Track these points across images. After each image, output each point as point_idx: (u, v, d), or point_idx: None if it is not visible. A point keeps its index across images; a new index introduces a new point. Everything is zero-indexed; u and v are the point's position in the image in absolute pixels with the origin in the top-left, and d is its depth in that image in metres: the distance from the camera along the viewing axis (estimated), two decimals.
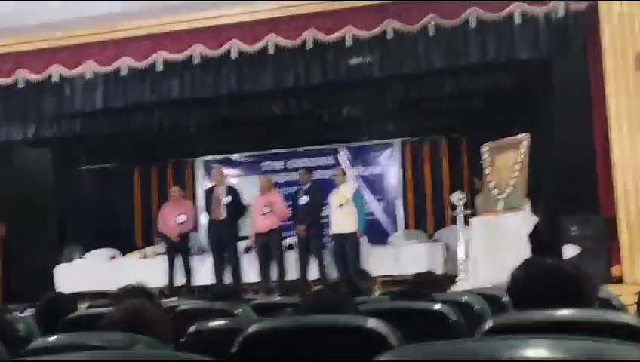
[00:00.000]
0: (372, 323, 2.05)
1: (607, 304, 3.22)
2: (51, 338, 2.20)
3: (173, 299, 8.19)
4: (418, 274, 4.19)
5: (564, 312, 1.85)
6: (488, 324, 1.94)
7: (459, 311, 2.91)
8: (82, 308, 4.93)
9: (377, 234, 11.57)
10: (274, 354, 2.07)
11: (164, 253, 11.01)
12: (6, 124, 10.94)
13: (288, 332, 2.12)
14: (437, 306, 2.75)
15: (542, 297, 2.24)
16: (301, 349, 2.06)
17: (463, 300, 3.36)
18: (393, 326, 2.07)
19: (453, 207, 9.29)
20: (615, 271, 7.89)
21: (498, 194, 8.70)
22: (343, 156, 12.89)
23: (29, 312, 4.40)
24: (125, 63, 9.31)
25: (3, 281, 10.41)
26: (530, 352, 1.05)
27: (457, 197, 9.20)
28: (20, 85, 9.61)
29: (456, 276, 8.85)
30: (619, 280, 7.74)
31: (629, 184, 7.93)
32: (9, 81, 9.61)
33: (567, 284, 2.28)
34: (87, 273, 11.09)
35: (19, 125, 10.99)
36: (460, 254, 8.92)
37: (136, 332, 2.15)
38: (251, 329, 2.14)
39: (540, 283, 2.37)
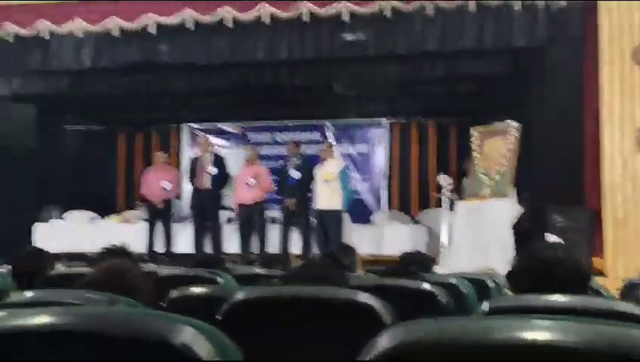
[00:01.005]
0: (364, 297, 1.98)
1: (597, 294, 3.17)
2: (28, 294, 2.11)
3: (153, 264, 8.09)
4: (407, 253, 4.13)
5: (566, 298, 1.78)
6: (486, 306, 1.86)
7: (447, 293, 2.85)
8: (59, 268, 4.83)
9: (360, 213, 11.52)
10: (261, 324, 1.99)
11: (144, 219, 10.91)
12: None
13: (277, 301, 2.04)
14: (428, 286, 2.68)
15: (542, 285, 2.18)
16: (289, 320, 1.98)
17: (451, 282, 3.30)
18: (386, 303, 2.00)
19: (439, 189, 9.25)
20: (595, 263, 7.88)
21: (485, 180, 8.66)
22: (331, 132, 12.80)
23: (5, 268, 4.30)
24: (116, 24, 9.14)
25: None
26: (554, 333, 0.98)
27: (444, 180, 9.15)
28: (8, 38, 9.43)
29: (437, 259, 8.82)
30: (599, 273, 7.73)
31: (617, 177, 7.92)
32: None
33: (568, 273, 2.22)
34: (66, 234, 10.99)
35: (4, 79, 10.82)
36: (443, 237, 8.89)
37: (116, 292, 2.06)
38: (238, 296, 2.06)
39: (541, 271, 2.31)
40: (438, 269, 8.30)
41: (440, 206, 9.47)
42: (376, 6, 8.55)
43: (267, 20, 8.82)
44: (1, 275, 3.57)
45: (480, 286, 3.79)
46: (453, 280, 3.39)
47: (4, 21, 9.37)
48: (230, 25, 8.91)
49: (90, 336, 1.19)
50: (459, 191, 9.49)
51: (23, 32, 9.36)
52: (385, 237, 10.31)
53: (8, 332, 1.24)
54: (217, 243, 10.26)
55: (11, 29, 9.37)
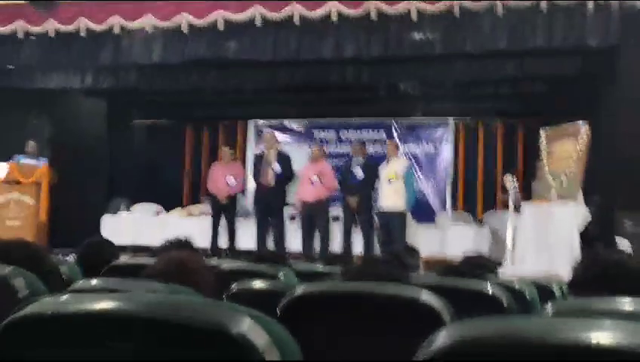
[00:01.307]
0: (425, 296, 1.96)
1: None
2: (93, 282, 2.16)
3: (215, 259, 8.18)
4: (469, 255, 4.08)
5: (632, 302, 1.72)
6: (551, 309, 1.82)
7: (511, 297, 2.79)
8: (124, 258, 4.92)
9: (424, 213, 11.45)
10: (320, 319, 1.98)
11: (209, 213, 11.03)
12: (64, 71, 11.05)
13: (337, 297, 2.04)
14: (490, 288, 2.64)
15: (605, 289, 2.12)
16: (349, 316, 1.97)
17: (515, 286, 3.23)
18: (446, 302, 1.97)
19: (505, 191, 9.11)
20: None
21: (553, 182, 8.51)
22: (396, 131, 12.74)
23: (72, 257, 4.39)
24: (186, 20, 9.26)
25: (50, 227, 10.53)
26: (616, 334, 0.94)
27: (510, 181, 9.01)
28: (81, 34, 9.64)
29: (501, 262, 8.70)
30: None
31: None
32: (70, 28, 9.64)
33: (631, 279, 2.15)
34: (132, 226, 11.21)
35: (77, 74, 11.08)
36: (508, 240, 8.76)
37: (178, 283, 2.09)
38: (298, 291, 2.06)
39: (603, 277, 2.24)
40: (502, 272, 8.20)
41: (505, 208, 9.33)
42: (445, 5, 8.47)
43: (335, 18, 8.82)
44: (69, 264, 3.65)
45: (544, 290, 3.70)
46: (517, 284, 3.32)
47: (78, 17, 9.57)
48: (298, 22, 8.94)
49: (149, 322, 1.21)
50: (525, 193, 9.33)
51: (96, 27, 9.55)
52: (449, 238, 10.22)
53: (72, 315, 1.27)
54: (280, 239, 10.29)
55: (84, 24, 9.57)
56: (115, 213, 11.79)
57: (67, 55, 10.10)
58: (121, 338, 1.22)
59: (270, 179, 10.31)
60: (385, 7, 8.66)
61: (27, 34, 9.82)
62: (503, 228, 9.17)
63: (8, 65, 10.76)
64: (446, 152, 12.69)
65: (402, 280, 2.33)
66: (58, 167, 10.77)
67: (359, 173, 10.12)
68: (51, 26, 9.61)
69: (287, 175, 10.42)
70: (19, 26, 9.72)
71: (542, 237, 8.15)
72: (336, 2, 8.78)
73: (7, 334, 1.30)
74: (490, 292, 2.62)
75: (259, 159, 10.76)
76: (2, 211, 10.44)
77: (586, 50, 8.87)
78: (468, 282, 2.77)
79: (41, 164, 10.66)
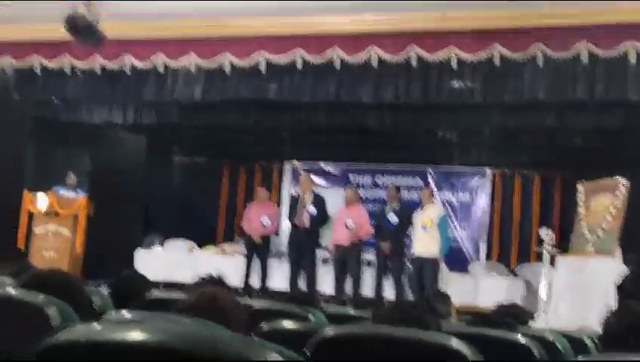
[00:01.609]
0: (456, 343, 1.94)
1: None
2: (124, 313, 2.17)
3: (247, 297, 8.18)
4: (502, 305, 4.03)
5: None
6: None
7: (542, 348, 2.76)
8: (156, 293, 4.94)
9: (458, 261, 11.35)
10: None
11: (242, 252, 11.05)
12: (107, 106, 11.23)
13: (367, 340, 2.03)
14: (522, 339, 2.60)
15: (636, 345, 2.08)
16: (377, 360, 1.96)
17: (547, 337, 3.19)
18: (477, 351, 1.95)
19: (540, 243, 9.01)
20: None
21: (589, 236, 8.40)
22: (432, 178, 12.71)
23: (105, 289, 4.43)
24: (228, 60, 9.38)
25: (85, 259, 10.63)
26: None
27: (546, 234, 8.92)
28: (126, 70, 9.81)
29: (534, 313, 8.57)
30: None
31: None
32: (115, 65, 9.82)
33: None
34: (165, 261, 11.26)
35: (119, 109, 11.26)
36: (542, 292, 8.64)
37: (209, 319, 2.09)
38: (328, 332, 2.06)
39: (635, 330, 2.21)
40: (535, 325, 8.08)
41: (540, 260, 9.22)
42: (485, 53, 8.48)
43: (375, 63, 8.88)
44: (102, 295, 3.68)
45: (577, 343, 3.65)
46: (550, 336, 3.28)
47: (123, 54, 9.75)
48: (338, 66, 9.01)
49: (178, 354, 1.22)
50: (560, 246, 9.22)
51: (140, 64, 9.72)
52: (481, 288, 10.11)
53: (104, 343, 1.29)
54: (312, 281, 10.28)
55: (129, 61, 9.75)
56: (149, 247, 11.87)
57: (111, 91, 10.29)
58: None
59: (305, 220, 10.34)
60: (425, 55, 8.70)
61: (73, 69, 10.03)
62: (536, 281, 9.06)
63: (54, 99, 10.99)
64: (482, 201, 12.61)
65: (432, 327, 2.31)
66: (96, 199, 10.90)
67: (393, 218, 10.11)
68: (97, 62, 9.80)
69: (321, 217, 10.44)
70: (65, 62, 9.93)
71: (577, 291, 8.03)
72: (377, 48, 8.83)
73: (40, 360, 1.32)
74: (522, 343, 2.59)
75: (294, 200, 10.80)
76: (40, 242, 10.56)
77: (627, 104, 8.79)
78: (499, 331, 2.74)
79: (80, 197, 10.81)
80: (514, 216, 12.42)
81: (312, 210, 10.37)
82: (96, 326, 1.45)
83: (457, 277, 10.37)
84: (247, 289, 10.41)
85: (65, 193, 10.87)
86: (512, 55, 8.41)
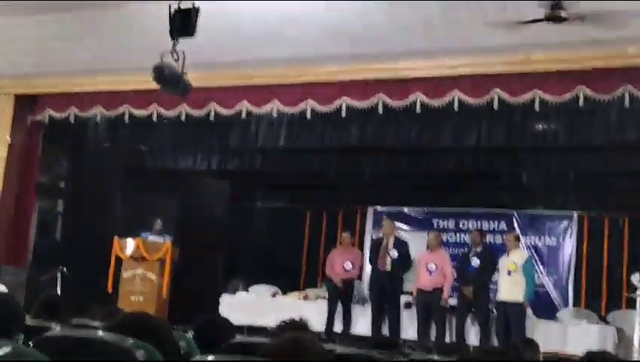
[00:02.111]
0: None
1: None
2: (209, 358, 2.20)
3: (330, 344, 8.15)
4: (592, 352, 3.90)
5: None
6: None
7: None
8: (240, 338, 4.97)
9: (545, 308, 11.07)
10: None
11: (324, 297, 11.05)
12: (193, 153, 11.49)
13: None
14: None
15: None
16: None
17: None
18: None
19: (632, 289, 8.71)
20: None
21: None
22: (517, 222, 12.48)
23: (190, 333, 4.49)
24: (310, 106, 9.48)
25: (171, 303, 10.80)
26: None
27: (638, 280, 8.63)
28: (211, 118, 10.01)
29: None
30: None
31: None
32: (200, 113, 10.03)
33: None
34: (249, 306, 11.32)
35: (204, 156, 11.50)
36: (636, 340, 8.33)
37: None
38: None
39: None
40: None
41: (633, 307, 8.90)
42: (570, 95, 8.33)
43: (456, 107, 8.83)
44: (188, 339, 3.73)
45: None
46: None
47: (208, 102, 9.96)
48: (419, 110, 8.99)
49: None
50: None
51: (224, 111, 9.91)
52: (570, 335, 9.79)
53: None
54: (395, 326, 10.18)
55: (214, 109, 9.96)
56: (233, 292, 11.98)
57: (196, 138, 10.53)
58: None
59: (387, 264, 10.31)
60: (508, 97, 8.60)
61: (160, 117, 10.29)
62: (630, 328, 8.75)
63: (142, 147, 11.31)
64: (569, 246, 12.30)
65: None
66: (181, 244, 11.10)
67: (476, 262, 9.97)
68: (183, 110, 10.04)
69: (404, 261, 10.38)
70: (153, 110, 10.20)
71: None
72: (459, 91, 8.78)
73: None
74: None
75: (376, 244, 10.78)
76: (128, 286, 10.79)
77: None
78: None
79: (166, 242, 11.02)
80: (603, 260, 12.05)
81: (395, 253, 10.32)
82: None
83: (544, 324, 10.08)
84: (330, 334, 10.37)
85: (152, 238, 11.11)
86: (597, 96, 8.23)
